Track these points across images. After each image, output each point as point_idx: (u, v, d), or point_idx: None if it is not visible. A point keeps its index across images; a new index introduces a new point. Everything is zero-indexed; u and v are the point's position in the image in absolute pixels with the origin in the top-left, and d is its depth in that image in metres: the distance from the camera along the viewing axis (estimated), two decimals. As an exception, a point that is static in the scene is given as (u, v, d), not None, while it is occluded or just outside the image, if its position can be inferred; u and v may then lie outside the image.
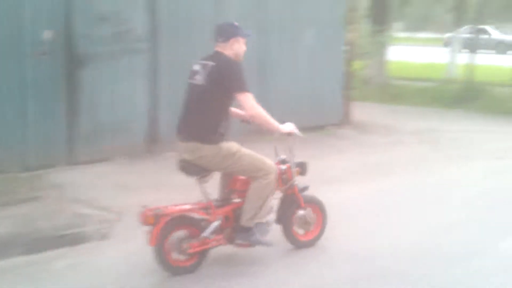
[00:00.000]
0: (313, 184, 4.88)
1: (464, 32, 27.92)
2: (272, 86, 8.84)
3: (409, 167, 7.67)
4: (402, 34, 35.86)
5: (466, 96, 12.62)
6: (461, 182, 7.03)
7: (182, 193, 4.88)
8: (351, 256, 4.58)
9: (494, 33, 29.76)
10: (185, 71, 4.47)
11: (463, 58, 15.02)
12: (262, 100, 4.41)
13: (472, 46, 14.44)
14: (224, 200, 4.40)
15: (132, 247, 4.57)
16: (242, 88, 4.05)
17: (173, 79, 7.47)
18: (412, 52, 23.14)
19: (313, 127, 8.99)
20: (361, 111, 10.64)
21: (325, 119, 9.67)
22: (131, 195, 5.80)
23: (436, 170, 7.55)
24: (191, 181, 4.20)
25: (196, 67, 4.22)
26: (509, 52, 28.42)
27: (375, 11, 13.99)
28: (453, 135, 9.61)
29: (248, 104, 4.07)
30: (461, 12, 15.82)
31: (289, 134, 4.38)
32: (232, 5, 8.35)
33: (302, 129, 4.52)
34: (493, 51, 27.62)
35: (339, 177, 7.03)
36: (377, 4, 14.23)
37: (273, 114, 4.18)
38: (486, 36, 27.91)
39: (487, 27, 29.05)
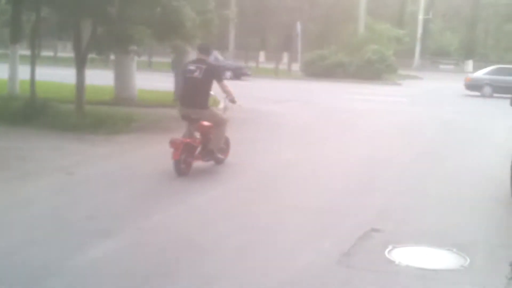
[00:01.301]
0: None
1: (490, 73, 25.83)
2: None
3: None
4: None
5: (31, 113, 12.32)
6: (31, 200, 6.82)
7: None
8: None
9: None
10: None
11: (24, 73, 14.68)
12: None
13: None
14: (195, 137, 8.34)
15: None
16: (223, 78, 8.79)
17: None
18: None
19: None
20: None
21: None
22: None
23: None
24: None
25: (192, 67, 8.26)
26: None
27: None
28: (21, 153, 9.24)
29: (225, 85, 8.55)
30: (17, 28, 15.45)
31: (235, 102, 8.77)
32: None
33: None
34: None
35: None
36: None
37: None
38: None
39: None
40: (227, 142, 8.99)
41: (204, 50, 8.60)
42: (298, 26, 34.65)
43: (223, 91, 8.68)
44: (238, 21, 39.31)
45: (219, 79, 8.55)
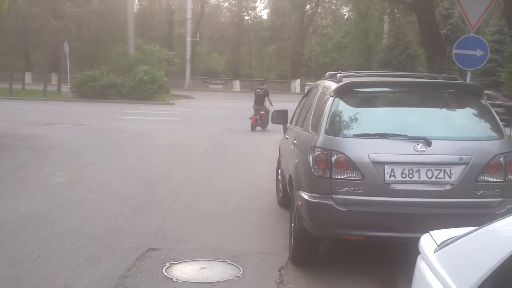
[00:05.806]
0: None
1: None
2: None
3: None
4: None
5: None
6: None
7: None
8: None
9: None
10: None
11: None
12: None
13: None
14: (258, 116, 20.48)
15: None
16: (269, 94, 21.30)
17: None
18: None
19: None
20: None
21: None
22: None
23: None
24: None
25: (258, 90, 20.97)
26: None
27: None
28: None
29: (269, 98, 21.04)
30: None
31: (272, 105, 19.34)
32: None
33: None
34: None
35: None
36: None
37: None
38: None
39: None
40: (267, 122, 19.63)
41: (261, 84, 21.93)
42: (66, 47, 33.35)
43: (268, 100, 20.38)
44: (-1, 41, 36.68)
45: (268, 95, 20.43)
